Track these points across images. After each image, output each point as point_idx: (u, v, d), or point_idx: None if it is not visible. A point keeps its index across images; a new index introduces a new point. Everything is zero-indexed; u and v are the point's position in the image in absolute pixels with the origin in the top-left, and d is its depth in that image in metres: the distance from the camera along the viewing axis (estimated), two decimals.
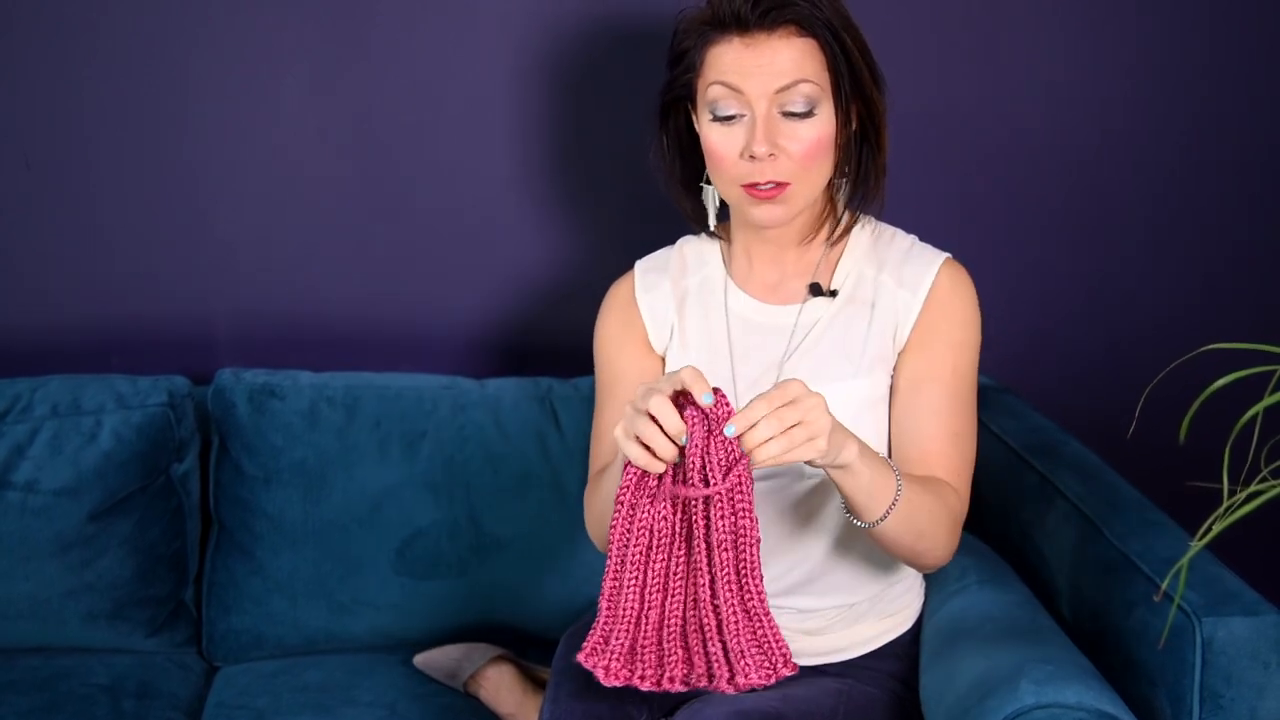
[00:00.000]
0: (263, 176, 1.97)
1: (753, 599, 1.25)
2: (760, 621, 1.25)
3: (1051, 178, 2.11)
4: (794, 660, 1.27)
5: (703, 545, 1.24)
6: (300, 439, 1.83)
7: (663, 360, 1.56)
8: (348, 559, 1.83)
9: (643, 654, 1.27)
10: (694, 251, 1.58)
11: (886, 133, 1.47)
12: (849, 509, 1.32)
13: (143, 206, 1.96)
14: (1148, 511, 1.55)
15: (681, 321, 1.54)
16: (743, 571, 1.24)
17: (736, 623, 1.24)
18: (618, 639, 1.26)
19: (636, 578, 1.25)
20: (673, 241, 1.61)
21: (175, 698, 1.75)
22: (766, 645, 1.26)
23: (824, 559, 1.48)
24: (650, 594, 1.26)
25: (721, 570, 1.24)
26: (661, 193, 1.57)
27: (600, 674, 1.26)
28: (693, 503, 1.23)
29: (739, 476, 1.21)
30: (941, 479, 1.40)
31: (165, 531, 1.83)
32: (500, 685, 1.75)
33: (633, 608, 1.26)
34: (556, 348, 2.06)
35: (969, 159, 2.08)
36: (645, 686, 1.26)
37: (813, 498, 1.46)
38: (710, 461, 1.21)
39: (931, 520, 1.35)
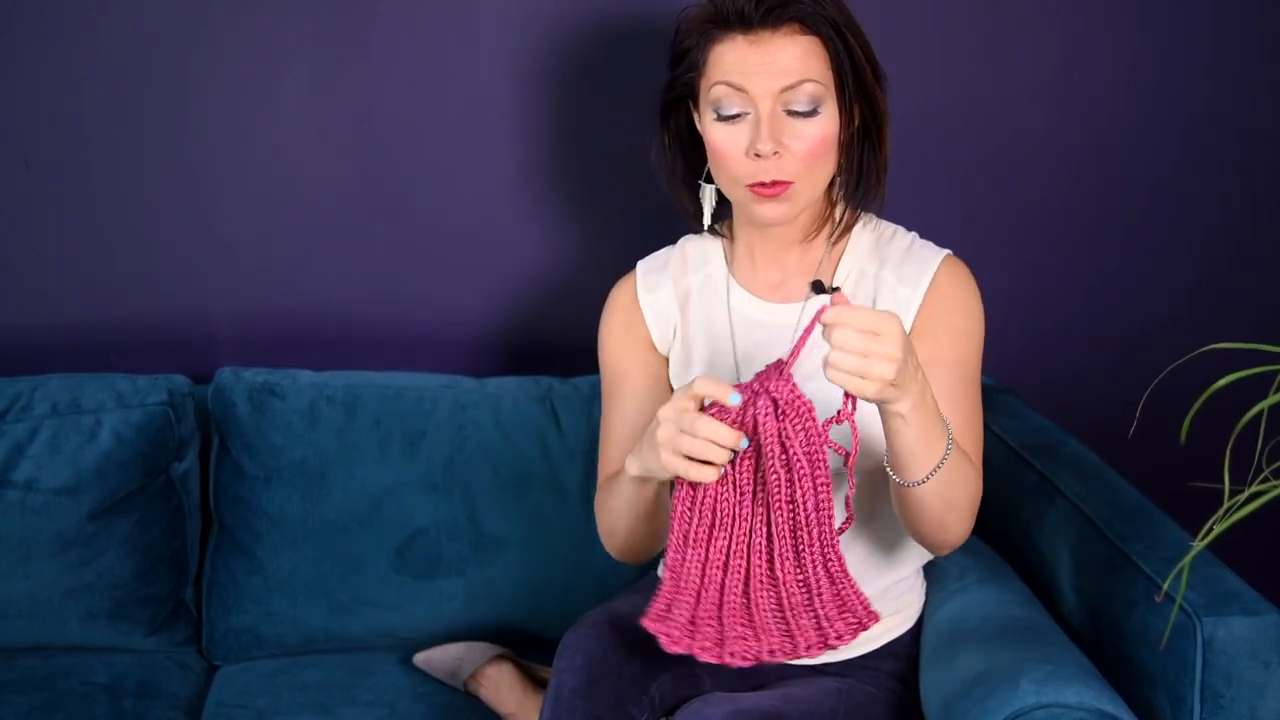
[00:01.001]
0: (263, 176, 1.97)
1: (834, 562, 1.24)
2: (842, 583, 1.25)
3: (1051, 178, 2.11)
4: (874, 609, 1.26)
5: (785, 515, 1.23)
6: (300, 438, 1.83)
7: (666, 360, 1.55)
8: (348, 558, 1.83)
9: (702, 627, 1.26)
10: (696, 250, 1.58)
11: (888, 131, 1.47)
12: (892, 465, 1.31)
13: (143, 206, 1.96)
14: (1148, 512, 1.55)
15: (684, 321, 1.54)
16: (824, 538, 1.24)
17: (821, 590, 1.24)
18: (679, 610, 1.26)
19: (699, 555, 1.26)
20: (673, 241, 1.61)
21: (175, 697, 1.75)
22: (850, 603, 1.25)
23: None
24: (711, 571, 1.26)
25: (806, 538, 1.23)
26: (662, 192, 1.57)
27: (663, 640, 1.25)
28: (769, 476, 1.22)
29: (816, 446, 1.22)
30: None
31: (165, 531, 1.83)
32: (500, 684, 1.75)
33: (693, 583, 1.26)
34: (556, 347, 2.06)
35: (970, 159, 2.08)
36: (705, 658, 1.25)
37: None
38: (790, 443, 1.21)
39: (964, 492, 1.34)
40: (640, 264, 1.60)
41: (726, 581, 1.26)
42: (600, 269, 1.75)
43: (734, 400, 1.21)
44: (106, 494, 1.78)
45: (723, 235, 1.58)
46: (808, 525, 1.23)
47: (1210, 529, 1.01)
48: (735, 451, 1.23)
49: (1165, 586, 1.36)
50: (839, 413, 1.23)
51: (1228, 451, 1.03)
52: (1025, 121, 2.08)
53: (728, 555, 1.26)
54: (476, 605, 1.85)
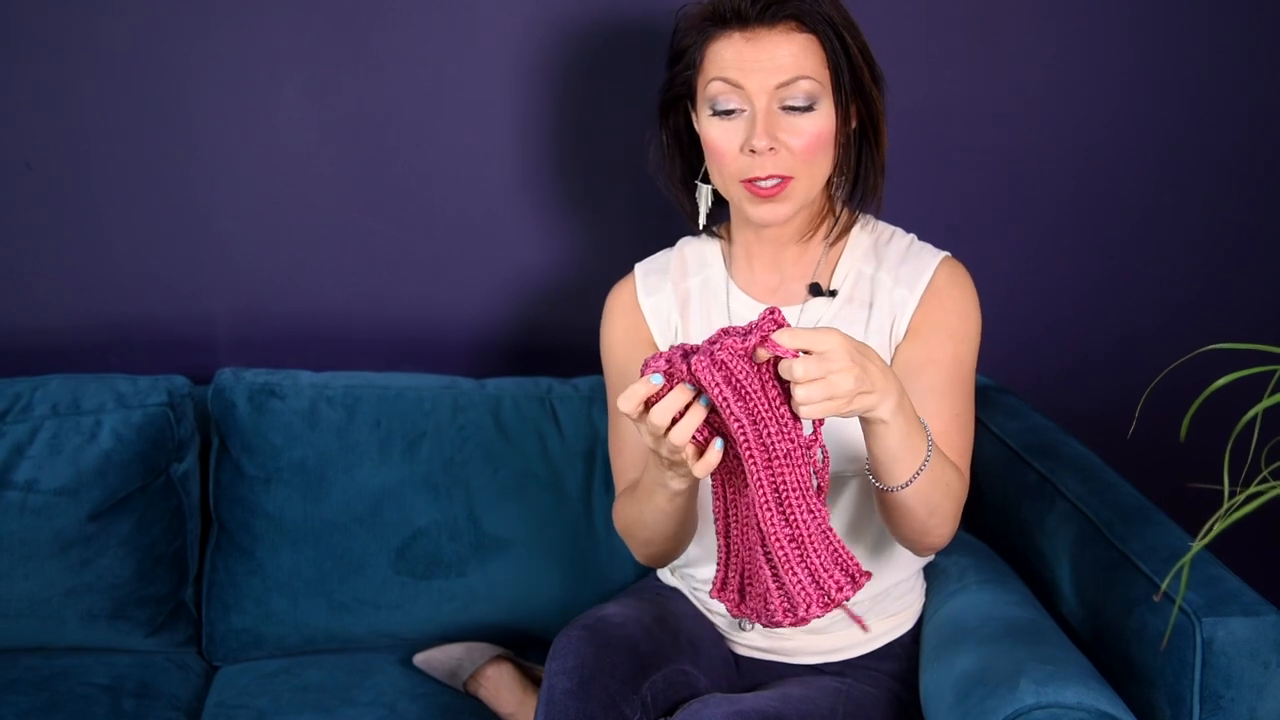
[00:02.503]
0: (264, 177, 1.97)
1: (820, 514, 1.21)
2: (830, 537, 1.22)
3: (1051, 178, 2.11)
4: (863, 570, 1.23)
5: (761, 462, 1.19)
6: (300, 439, 1.83)
7: None
8: (348, 559, 1.83)
9: (750, 599, 1.27)
10: (694, 253, 1.58)
11: (885, 131, 1.47)
12: (873, 470, 1.30)
13: (144, 207, 1.96)
14: (1148, 511, 1.55)
15: (685, 323, 1.54)
16: (803, 485, 1.20)
17: (812, 540, 1.21)
18: (730, 583, 1.28)
19: (720, 524, 1.27)
20: (672, 242, 1.61)
21: (175, 698, 1.75)
22: (844, 561, 1.22)
23: None
24: (734, 537, 1.27)
25: (786, 483, 1.20)
26: (661, 192, 1.57)
27: (729, 608, 1.27)
28: (731, 425, 1.19)
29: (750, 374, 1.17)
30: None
31: (165, 531, 1.83)
32: (500, 685, 1.75)
33: (722, 551, 1.28)
34: (556, 348, 2.06)
35: (969, 159, 2.08)
36: (762, 623, 1.25)
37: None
38: (726, 370, 1.16)
39: (947, 496, 1.34)
40: (638, 267, 1.59)
41: (743, 545, 1.25)
42: (600, 269, 1.76)
43: (656, 380, 1.17)
44: (106, 494, 1.79)
45: (720, 237, 1.58)
46: (779, 471, 1.19)
47: (1210, 529, 1.01)
48: (715, 432, 1.20)
49: (1164, 586, 1.37)
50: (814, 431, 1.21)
51: (1227, 451, 1.03)
52: (1025, 121, 2.08)
53: (736, 519, 1.26)
54: (476, 605, 1.85)
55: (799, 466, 1.18)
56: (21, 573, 1.76)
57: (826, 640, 1.52)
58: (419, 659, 1.81)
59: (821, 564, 1.20)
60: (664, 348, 1.55)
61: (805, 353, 1.14)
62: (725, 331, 1.18)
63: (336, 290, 2.02)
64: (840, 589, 1.20)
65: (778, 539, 1.19)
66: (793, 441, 1.18)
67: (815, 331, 1.14)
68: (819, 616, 1.21)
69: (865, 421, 1.24)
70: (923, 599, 1.60)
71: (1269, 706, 1.35)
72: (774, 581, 1.22)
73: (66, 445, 1.78)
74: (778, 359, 1.15)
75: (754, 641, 1.55)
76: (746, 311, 1.52)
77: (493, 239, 2.02)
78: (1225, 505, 1.00)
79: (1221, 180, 2.13)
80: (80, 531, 1.77)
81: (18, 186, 1.94)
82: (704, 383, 1.16)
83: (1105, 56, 2.07)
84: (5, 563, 1.75)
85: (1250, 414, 1.00)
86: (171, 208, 1.96)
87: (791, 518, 1.19)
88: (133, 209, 1.96)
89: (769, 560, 1.22)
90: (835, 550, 1.21)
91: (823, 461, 1.20)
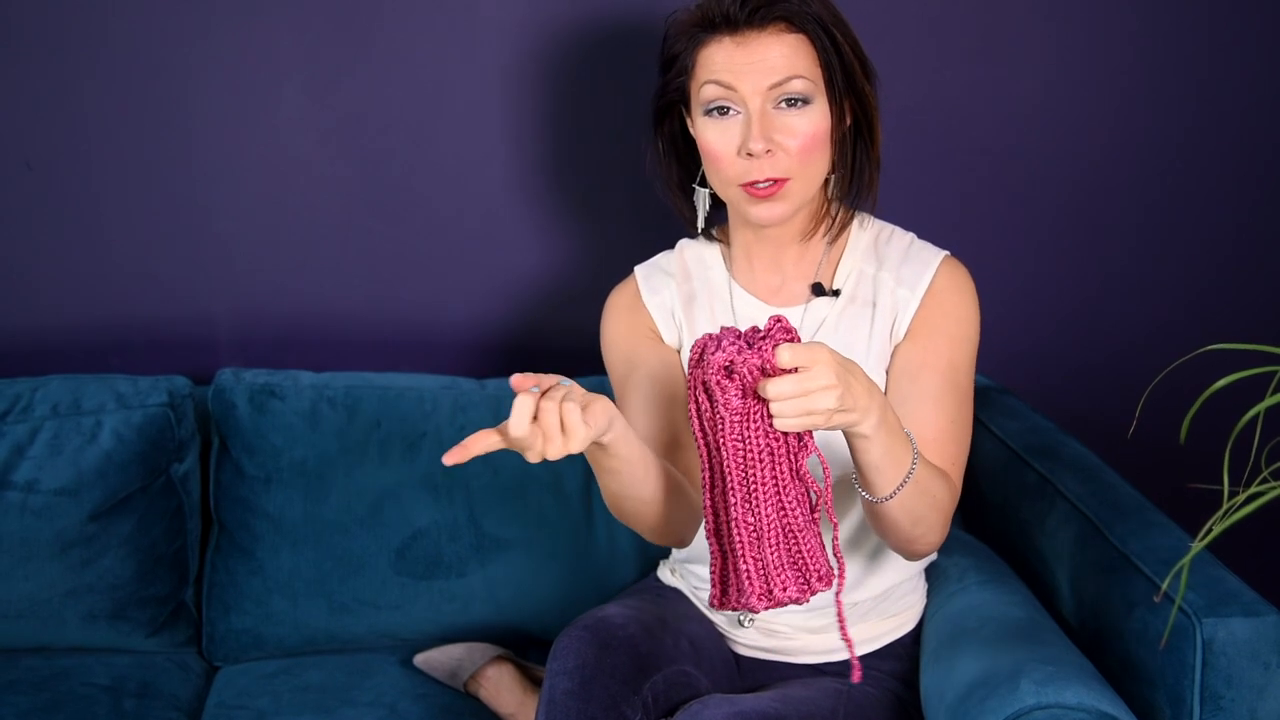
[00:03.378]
0: (264, 178, 1.97)
1: (790, 519, 1.22)
2: (801, 543, 1.23)
3: (1051, 177, 2.11)
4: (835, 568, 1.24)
5: (734, 454, 1.21)
6: (301, 439, 1.83)
7: (678, 353, 1.55)
8: (348, 559, 1.83)
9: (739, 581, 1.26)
10: (694, 255, 1.58)
11: (880, 127, 1.47)
12: (859, 482, 1.30)
13: (144, 208, 1.96)
14: (1148, 512, 1.55)
15: (690, 322, 1.54)
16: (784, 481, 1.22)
17: (772, 538, 1.22)
18: (715, 573, 1.27)
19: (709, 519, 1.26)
20: (671, 243, 1.61)
21: (175, 698, 1.75)
22: (804, 564, 1.23)
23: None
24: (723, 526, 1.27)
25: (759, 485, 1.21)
26: (659, 195, 1.58)
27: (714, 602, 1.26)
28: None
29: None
30: (939, 468, 1.40)
31: (165, 531, 1.83)
32: (500, 685, 1.75)
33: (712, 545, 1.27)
34: (557, 348, 2.06)
35: (969, 159, 2.08)
36: (730, 607, 1.26)
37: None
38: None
39: (932, 506, 1.34)
40: (638, 269, 1.59)
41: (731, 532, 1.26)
42: (600, 270, 1.76)
43: (535, 391, 1.16)
44: (107, 495, 1.79)
45: (719, 240, 1.58)
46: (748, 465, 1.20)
47: (1210, 529, 1.01)
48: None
49: (1165, 587, 1.37)
50: (806, 446, 1.22)
51: (1227, 452, 1.03)
52: (1025, 121, 2.08)
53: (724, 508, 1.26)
54: (476, 606, 1.85)
55: (780, 463, 1.19)
56: (22, 573, 1.76)
57: (829, 640, 1.53)
58: (419, 659, 1.81)
59: (774, 560, 1.21)
60: (670, 342, 1.55)
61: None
62: (726, 330, 1.19)
63: (337, 290, 2.02)
64: (785, 589, 1.21)
65: (737, 524, 1.21)
66: (776, 440, 1.19)
67: (806, 348, 1.14)
68: (760, 610, 1.22)
69: (847, 435, 1.24)
70: (924, 600, 1.60)
71: (1269, 707, 1.35)
72: (729, 565, 1.24)
73: (67, 446, 1.78)
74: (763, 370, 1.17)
75: (755, 641, 1.55)
76: (750, 310, 1.52)
77: (493, 239, 2.02)
78: (1225, 506, 1.00)
79: (1221, 180, 2.13)
80: (81, 532, 1.77)
81: (18, 186, 1.94)
82: (693, 382, 1.19)
83: (1105, 56, 2.07)
84: (6, 563, 1.75)
85: (1250, 414, 1.00)
86: (171, 208, 1.96)
87: (756, 509, 1.21)
88: (133, 209, 1.96)
89: (731, 545, 1.23)
90: (797, 552, 1.22)
91: (823, 476, 1.21)
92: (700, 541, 1.54)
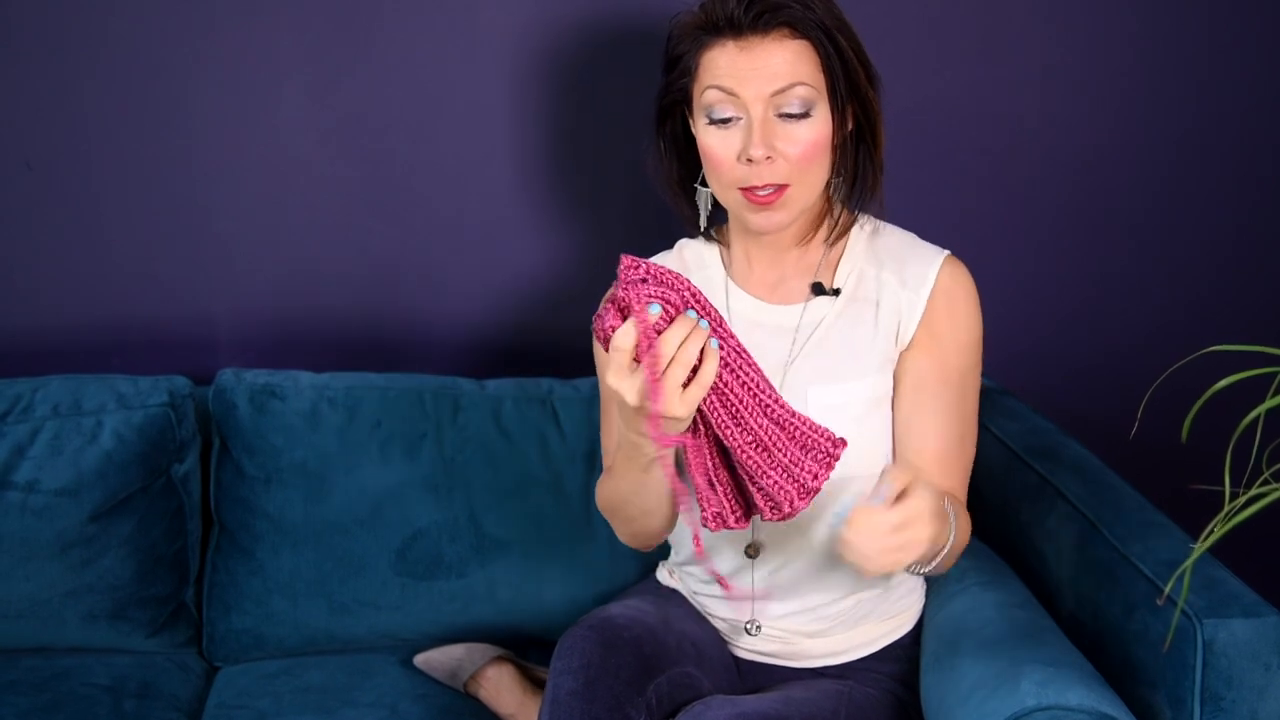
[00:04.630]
0: (265, 178, 1.97)
1: (775, 409, 1.24)
2: (793, 426, 1.25)
3: (1052, 178, 2.11)
4: (837, 437, 1.27)
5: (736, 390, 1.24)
6: (301, 439, 1.83)
7: None
8: (348, 559, 1.83)
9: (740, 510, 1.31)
10: (694, 254, 1.58)
11: (883, 131, 1.47)
12: None
13: (144, 208, 1.96)
14: (1148, 513, 1.55)
15: None
16: (758, 391, 1.24)
17: (776, 441, 1.25)
18: (725, 514, 1.31)
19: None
20: (671, 243, 1.61)
21: (176, 698, 1.75)
22: (813, 441, 1.26)
23: (826, 560, 1.48)
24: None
25: (737, 398, 1.24)
26: (660, 195, 1.57)
27: (734, 521, 1.30)
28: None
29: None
30: (944, 489, 1.41)
31: (166, 532, 1.83)
32: (500, 685, 1.75)
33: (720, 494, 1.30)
34: (556, 348, 2.06)
35: (969, 159, 2.08)
36: (766, 518, 1.29)
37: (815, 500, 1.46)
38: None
39: (954, 553, 1.39)
40: None
41: (722, 471, 1.29)
42: (600, 271, 1.76)
43: (655, 310, 1.20)
44: (107, 495, 1.78)
45: (718, 241, 1.58)
46: (732, 386, 1.23)
47: (1211, 531, 1.01)
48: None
49: (1167, 590, 1.36)
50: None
51: (1228, 453, 1.03)
52: (1025, 121, 2.08)
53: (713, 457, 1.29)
54: (476, 606, 1.85)
55: (740, 369, 1.22)
56: (22, 573, 1.76)
57: (828, 643, 1.53)
58: (419, 660, 1.81)
59: (789, 458, 1.25)
60: None
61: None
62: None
63: (337, 290, 2.02)
64: (815, 476, 1.25)
65: (740, 449, 1.24)
66: (723, 351, 1.21)
67: (901, 508, 1.21)
68: (804, 508, 1.26)
69: None
70: (923, 601, 1.60)
71: (1270, 708, 1.35)
72: (753, 486, 1.26)
73: (67, 446, 1.78)
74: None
75: (755, 645, 1.55)
76: (747, 310, 1.52)
77: (493, 240, 2.02)
78: (1226, 507, 1.00)
79: (1221, 181, 2.13)
80: (81, 532, 1.77)
81: (18, 186, 1.93)
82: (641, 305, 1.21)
83: (1106, 56, 2.07)
84: (6, 563, 1.75)
85: (1251, 416, 1.00)
86: (171, 208, 1.96)
87: (746, 423, 1.23)
88: (133, 209, 1.96)
89: (743, 470, 1.25)
90: (801, 435, 1.25)
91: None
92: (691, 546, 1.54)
